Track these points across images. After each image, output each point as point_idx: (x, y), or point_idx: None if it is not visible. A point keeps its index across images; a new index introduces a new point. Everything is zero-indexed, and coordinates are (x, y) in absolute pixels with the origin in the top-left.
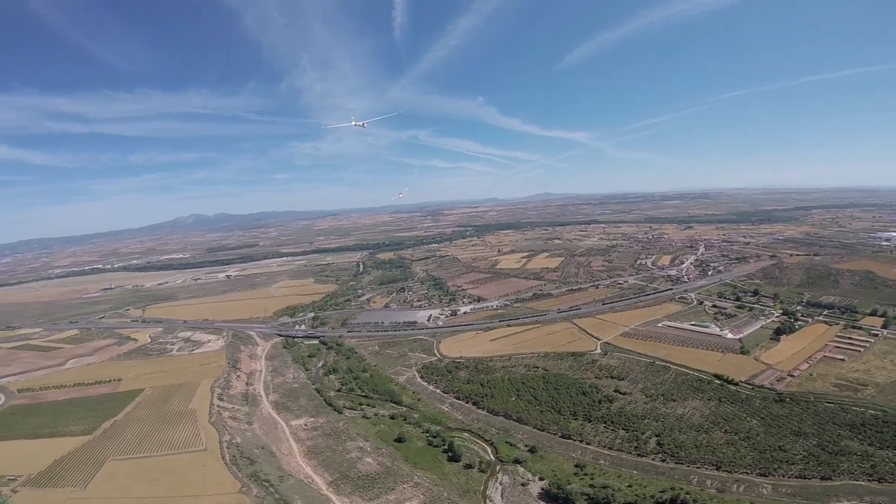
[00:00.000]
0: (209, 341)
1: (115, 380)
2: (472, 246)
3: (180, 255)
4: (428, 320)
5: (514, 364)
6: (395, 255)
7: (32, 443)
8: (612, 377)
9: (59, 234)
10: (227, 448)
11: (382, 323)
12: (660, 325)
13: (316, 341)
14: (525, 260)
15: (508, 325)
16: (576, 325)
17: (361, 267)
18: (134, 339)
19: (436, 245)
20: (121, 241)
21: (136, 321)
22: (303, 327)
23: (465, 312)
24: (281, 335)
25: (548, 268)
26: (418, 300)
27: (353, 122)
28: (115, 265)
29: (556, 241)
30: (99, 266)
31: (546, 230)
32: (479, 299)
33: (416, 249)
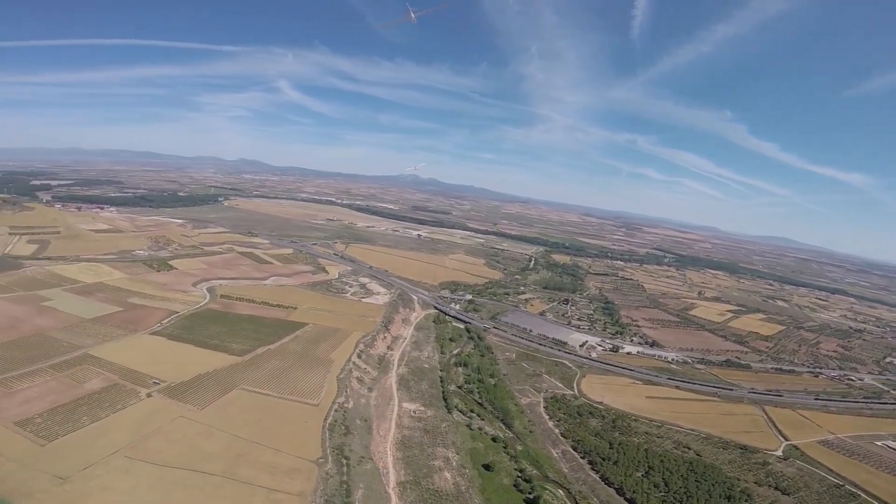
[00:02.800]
0: (378, 293)
1: (291, 307)
2: (667, 277)
3: (391, 206)
4: (581, 346)
5: (662, 435)
6: (571, 261)
7: (196, 351)
8: (776, 489)
9: (313, 168)
10: (335, 411)
11: (530, 331)
12: (879, 442)
13: (462, 325)
14: (731, 315)
15: (676, 387)
16: (765, 413)
17: (532, 263)
18: (326, 272)
19: (621, 263)
20: (354, 183)
21: (336, 255)
22: (457, 307)
23: (628, 353)
24: (437, 308)
25: (758, 333)
26: (579, 319)
27: (409, 10)
28: (343, 201)
29: (780, 303)
30: (332, 199)
31: (770, 285)
32: (654, 344)
33: (596, 261)
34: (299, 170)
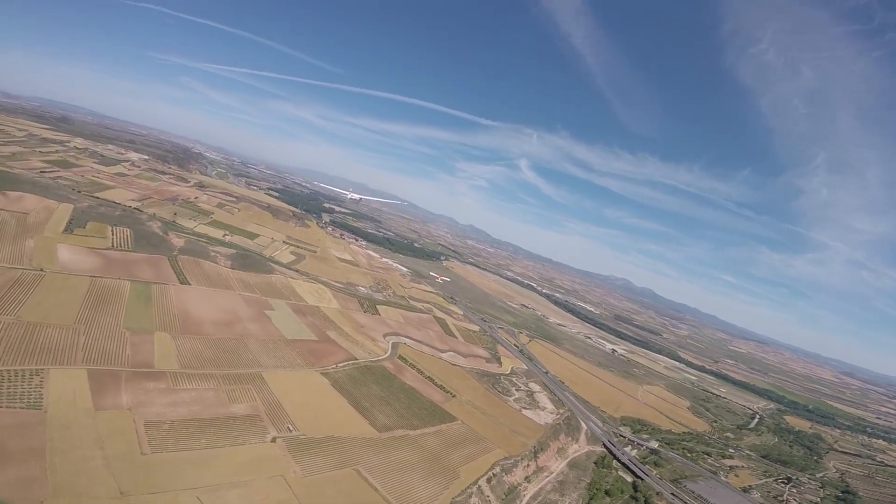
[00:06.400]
0: (544, 409)
1: (451, 393)
2: None
3: (590, 308)
4: None
5: None
6: (812, 429)
7: (345, 409)
8: None
9: (526, 247)
10: None
11: None
12: None
13: (630, 479)
14: None
15: None
16: None
17: (756, 421)
18: (499, 363)
19: (884, 443)
20: (558, 273)
21: (516, 347)
22: (634, 453)
23: None
24: (606, 447)
25: None
26: None
27: (350, 193)
28: (543, 290)
29: None
30: (533, 285)
31: None
32: None
33: (846, 435)
34: (513, 246)
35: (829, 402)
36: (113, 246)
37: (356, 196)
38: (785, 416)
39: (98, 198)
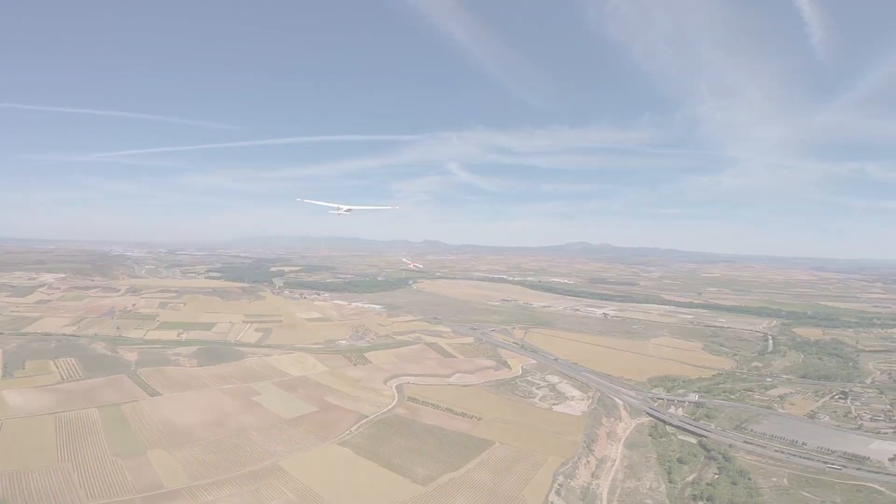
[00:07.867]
0: (573, 398)
1: (476, 417)
2: None
3: (564, 280)
4: (892, 459)
5: None
6: (826, 335)
7: (380, 473)
8: None
9: (484, 244)
10: None
11: (803, 444)
12: None
13: (694, 440)
14: None
15: None
16: None
17: (771, 343)
18: (508, 367)
19: None
20: (521, 257)
21: (516, 343)
22: (680, 411)
23: None
24: (651, 415)
25: None
26: (872, 419)
27: (339, 209)
28: (515, 278)
29: None
30: (504, 276)
31: None
32: None
33: (861, 332)
34: (472, 247)
35: (822, 303)
36: (62, 379)
37: (344, 207)
38: (793, 329)
39: (26, 334)
